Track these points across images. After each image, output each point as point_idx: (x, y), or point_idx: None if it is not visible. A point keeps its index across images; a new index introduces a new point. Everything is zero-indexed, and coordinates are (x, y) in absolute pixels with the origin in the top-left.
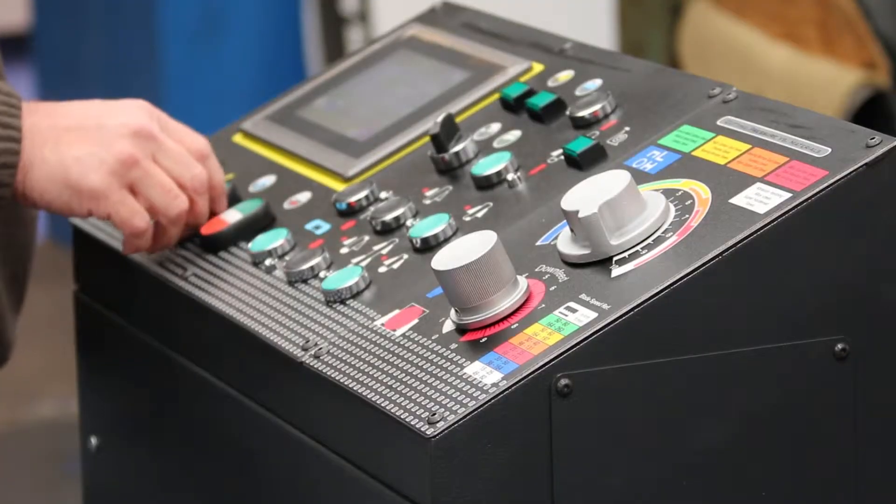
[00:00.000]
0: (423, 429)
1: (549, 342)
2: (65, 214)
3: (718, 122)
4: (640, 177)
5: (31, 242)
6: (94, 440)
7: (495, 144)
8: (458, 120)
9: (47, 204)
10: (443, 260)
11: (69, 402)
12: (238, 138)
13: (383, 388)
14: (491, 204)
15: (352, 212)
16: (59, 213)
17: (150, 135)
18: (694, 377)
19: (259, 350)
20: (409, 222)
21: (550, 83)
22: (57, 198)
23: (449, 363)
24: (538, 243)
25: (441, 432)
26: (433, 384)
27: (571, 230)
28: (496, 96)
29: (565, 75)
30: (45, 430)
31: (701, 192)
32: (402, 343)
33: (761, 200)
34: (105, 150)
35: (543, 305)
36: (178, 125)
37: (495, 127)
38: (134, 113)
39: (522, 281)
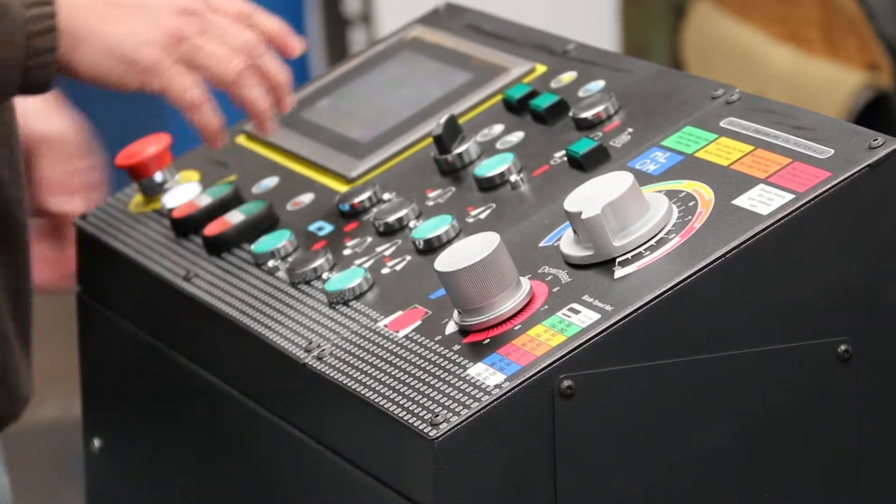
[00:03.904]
0: (425, 430)
1: (552, 343)
2: (115, 89)
3: (721, 124)
4: (643, 178)
5: (32, 292)
6: (96, 442)
7: (498, 146)
8: (461, 121)
9: (99, 77)
10: (446, 261)
11: (72, 404)
12: (241, 140)
13: (386, 389)
14: (494, 205)
15: (355, 213)
16: (111, 87)
17: (195, 11)
18: (697, 378)
19: (262, 351)
20: (412, 224)
21: (553, 84)
22: (109, 71)
23: (452, 365)
24: (541, 244)
25: (444, 434)
26: (436, 385)
27: (574, 231)
28: (499, 98)
29: (568, 77)
30: (48, 432)
31: (704, 193)
32: (404, 344)
33: (764, 202)
34: (154, 28)
35: (546, 307)
36: None
37: (498, 128)
38: None
39: (525, 282)
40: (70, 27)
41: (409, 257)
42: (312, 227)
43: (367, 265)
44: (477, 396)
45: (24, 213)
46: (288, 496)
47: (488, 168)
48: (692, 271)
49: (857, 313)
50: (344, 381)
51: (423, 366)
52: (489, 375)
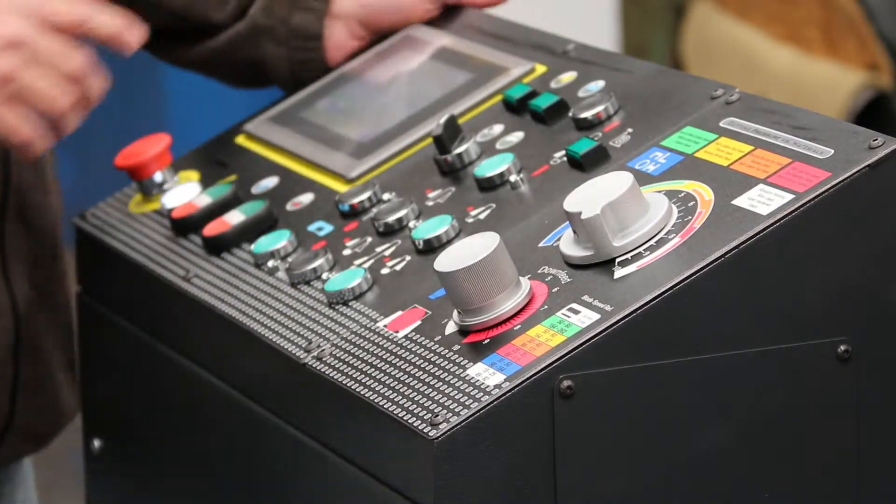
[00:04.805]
0: (425, 430)
1: (552, 344)
2: None
3: (721, 124)
4: (642, 178)
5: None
6: (96, 442)
7: (498, 146)
8: (460, 121)
9: None
10: (445, 261)
11: None
12: (241, 140)
13: (386, 389)
14: (494, 205)
15: (354, 213)
16: None
17: (22, 41)
18: (696, 378)
19: (262, 352)
20: (411, 224)
21: (553, 84)
22: None
23: (452, 365)
24: (541, 245)
25: (443, 434)
26: (436, 386)
27: (574, 232)
28: (499, 98)
29: (568, 77)
30: None
31: (703, 193)
32: (404, 345)
33: (764, 202)
34: None
35: (546, 307)
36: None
37: (498, 128)
38: (3, 21)
39: (525, 282)
40: None
41: (408, 257)
42: (312, 227)
43: (366, 265)
44: (477, 396)
45: (54, 218)
46: (287, 496)
47: (488, 168)
48: (692, 271)
49: (857, 313)
50: (344, 382)
51: (422, 366)
52: (489, 375)
